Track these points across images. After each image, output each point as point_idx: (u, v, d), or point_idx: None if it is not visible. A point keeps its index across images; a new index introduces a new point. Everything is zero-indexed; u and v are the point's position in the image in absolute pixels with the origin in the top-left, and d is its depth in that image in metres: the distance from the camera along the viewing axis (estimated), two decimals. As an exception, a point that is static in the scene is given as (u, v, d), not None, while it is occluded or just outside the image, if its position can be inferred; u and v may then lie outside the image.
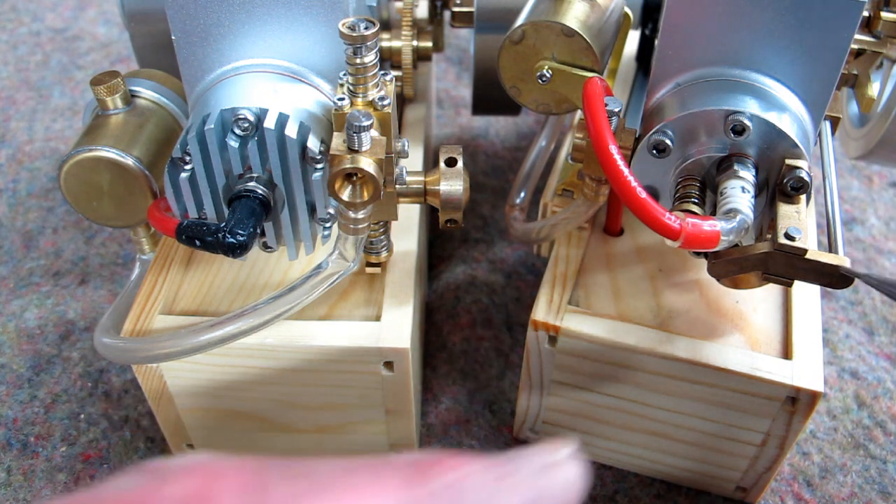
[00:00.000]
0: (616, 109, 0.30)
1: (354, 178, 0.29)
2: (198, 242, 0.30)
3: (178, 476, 0.17)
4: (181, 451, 0.39)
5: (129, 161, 0.34)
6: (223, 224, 0.29)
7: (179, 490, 0.16)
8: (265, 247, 0.33)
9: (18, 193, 0.55)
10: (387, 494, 0.17)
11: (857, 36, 0.35)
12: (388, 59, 0.43)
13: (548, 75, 0.34)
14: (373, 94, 0.30)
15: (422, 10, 0.46)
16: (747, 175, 0.29)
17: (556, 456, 0.20)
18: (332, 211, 0.32)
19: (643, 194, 0.26)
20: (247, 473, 0.17)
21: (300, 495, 0.17)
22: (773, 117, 0.29)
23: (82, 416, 0.41)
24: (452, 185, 0.32)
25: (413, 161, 0.42)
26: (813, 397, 0.32)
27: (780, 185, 0.30)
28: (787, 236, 0.28)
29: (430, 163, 0.49)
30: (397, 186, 0.32)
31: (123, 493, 0.16)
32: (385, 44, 0.42)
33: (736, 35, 0.30)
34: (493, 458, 0.19)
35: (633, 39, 0.48)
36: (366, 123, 0.28)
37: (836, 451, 0.40)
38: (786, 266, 0.28)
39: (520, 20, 0.34)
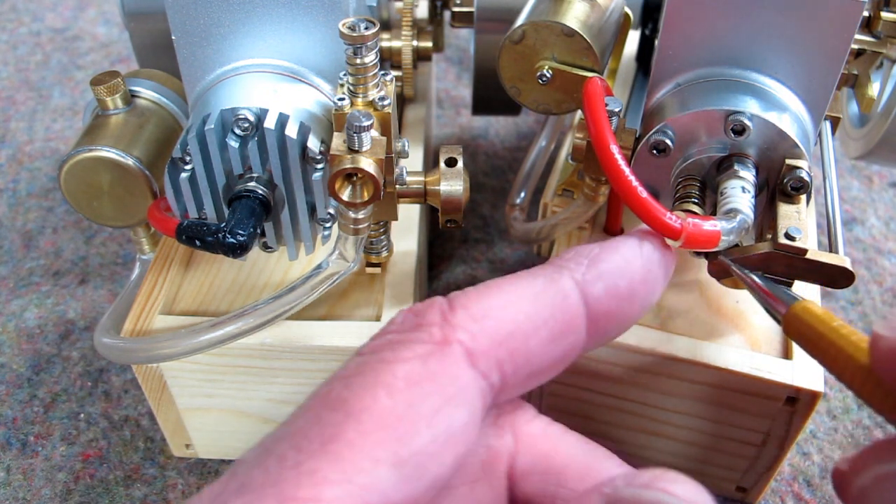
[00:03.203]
0: (616, 109, 0.30)
1: (354, 178, 0.29)
2: (198, 242, 0.30)
3: None
4: (181, 451, 0.39)
5: (130, 161, 0.34)
6: (223, 224, 0.30)
7: None
8: (265, 247, 0.33)
9: (18, 193, 0.55)
10: None
11: (857, 36, 0.35)
12: (388, 59, 0.43)
13: (548, 75, 0.34)
14: (373, 94, 0.30)
15: (422, 10, 0.46)
16: (747, 175, 0.29)
17: None
18: (332, 211, 0.32)
19: (644, 194, 0.26)
20: None
21: None
22: (773, 117, 0.29)
23: (82, 415, 0.41)
24: (452, 185, 0.32)
25: (413, 161, 0.42)
26: (813, 397, 0.32)
27: (780, 185, 0.30)
28: (787, 236, 0.28)
29: (430, 163, 0.49)
30: (397, 186, 0.32)
31: None
32: (385, 44, 0.42)
33: (736, 35, 0.30)
34: None
35: (633, 39, 0.48)
36: (366, 123, 0.28)
37: (836, 451, 0.40)
38: (786, 266, 0.28)
39: (520, 20, 0.34)
